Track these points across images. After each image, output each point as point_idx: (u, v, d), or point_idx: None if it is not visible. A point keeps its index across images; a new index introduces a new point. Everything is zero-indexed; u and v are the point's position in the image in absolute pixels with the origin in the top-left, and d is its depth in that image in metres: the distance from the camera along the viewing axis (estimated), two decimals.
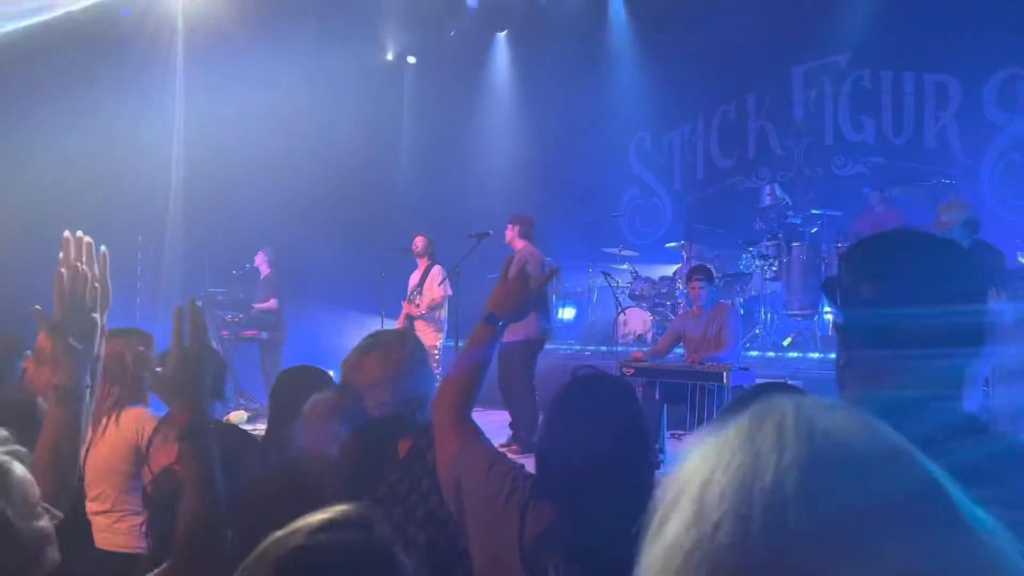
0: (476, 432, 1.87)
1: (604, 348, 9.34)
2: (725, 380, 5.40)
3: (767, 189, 8.70)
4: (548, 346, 9.98)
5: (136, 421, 2.66)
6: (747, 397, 1.58)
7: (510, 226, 6.83)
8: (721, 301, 6.52)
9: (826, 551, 0.54)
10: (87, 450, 2.74)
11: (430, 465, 1.97)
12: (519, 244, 6.78)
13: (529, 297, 2.01)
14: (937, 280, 1.28)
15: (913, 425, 0.70)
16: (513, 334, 6.35)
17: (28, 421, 2.36)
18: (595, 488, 1.63)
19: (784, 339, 8.35)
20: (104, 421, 2.65)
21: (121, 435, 2.62)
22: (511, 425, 6.55)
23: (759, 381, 5.29)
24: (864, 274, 1.33)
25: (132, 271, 10.39)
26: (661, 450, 6.20)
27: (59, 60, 8.55)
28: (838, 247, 7.69)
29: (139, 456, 2.54)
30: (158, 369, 1.63)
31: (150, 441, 2.54)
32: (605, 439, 1.66)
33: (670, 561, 0.57)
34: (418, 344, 2.27)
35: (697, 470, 0.59)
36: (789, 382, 1.64)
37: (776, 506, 0.54)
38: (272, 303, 8.88)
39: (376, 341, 2.21)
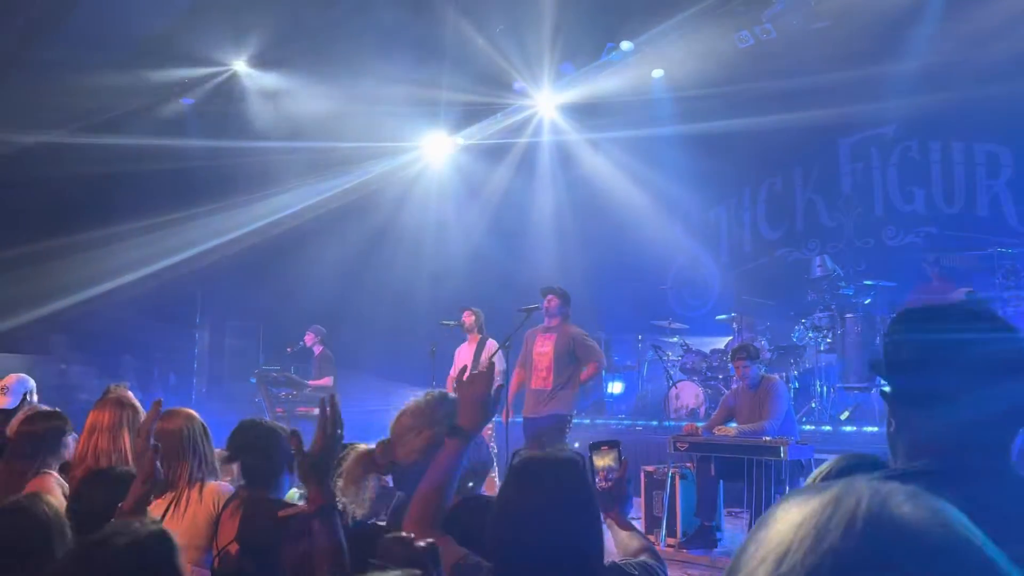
0: (447, 538, 1.86)
1: (656, 423, 9.22)
2: (783, 454, 5.29)
3: (817, 260, 8.64)
4: (598, 420, 9.93)
5: (216, 494, 2.69)
6: (840, 469, 1.57)
7: (554, 296, 6.69)
8: (768, 375, 6.44)
9: None
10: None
11: None
12: (556, 320, 6.63)
13: (490, 398, 2.01)
14: (980, 348, 1.28)
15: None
16: (549, 408, 6.35)
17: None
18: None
19: (841, 412, 8.15)
20: (186, 495, 2.69)
21: (204, 508, 2.65)
22: None
23: (837, 453, 5.18)
24: (907, 342, 1.34)
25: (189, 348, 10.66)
26: (718, 527, 6.06)
27: None
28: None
29: (215, 529, 2.57)
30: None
31: (219, 514, 2.57)
32: (548, 531, 1.66)
33: None
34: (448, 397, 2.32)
35: (780, 538, 0.59)
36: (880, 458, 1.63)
37: None
38: (327, 380, 9.07)
39: (416, 399, 2.33)
